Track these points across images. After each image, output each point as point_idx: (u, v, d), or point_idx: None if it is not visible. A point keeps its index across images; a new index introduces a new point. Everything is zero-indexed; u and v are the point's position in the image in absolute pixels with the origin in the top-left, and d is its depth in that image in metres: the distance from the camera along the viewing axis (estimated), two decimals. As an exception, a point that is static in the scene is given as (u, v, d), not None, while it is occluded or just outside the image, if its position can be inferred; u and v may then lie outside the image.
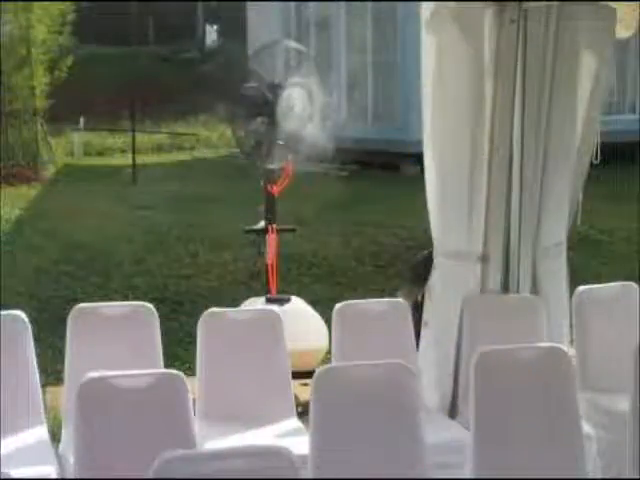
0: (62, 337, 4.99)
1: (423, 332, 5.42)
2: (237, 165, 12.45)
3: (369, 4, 15.98)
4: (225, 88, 7.35)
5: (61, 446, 4.55)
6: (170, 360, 5.44)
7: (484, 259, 5.36)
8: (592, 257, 10.18)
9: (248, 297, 7.25)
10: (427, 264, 5.49)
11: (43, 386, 4.88)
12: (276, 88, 6.61)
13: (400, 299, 5.43)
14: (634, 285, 5.50)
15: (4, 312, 4.75)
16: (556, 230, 5.57)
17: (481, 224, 5.33)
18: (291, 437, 4.52)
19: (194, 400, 4.35)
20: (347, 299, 5.38)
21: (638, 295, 5.43)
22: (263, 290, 7.19)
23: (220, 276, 9.62)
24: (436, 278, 5.45)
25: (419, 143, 5.51)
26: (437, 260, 5.44)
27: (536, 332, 5.19)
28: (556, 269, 5.61)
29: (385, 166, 14.93)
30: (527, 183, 5.33)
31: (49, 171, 15.94)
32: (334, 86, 14.47)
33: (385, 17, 15.85)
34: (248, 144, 6.94)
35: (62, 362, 4.94)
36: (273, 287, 6.99)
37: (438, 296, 5.44)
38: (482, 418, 4.08)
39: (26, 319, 4.78)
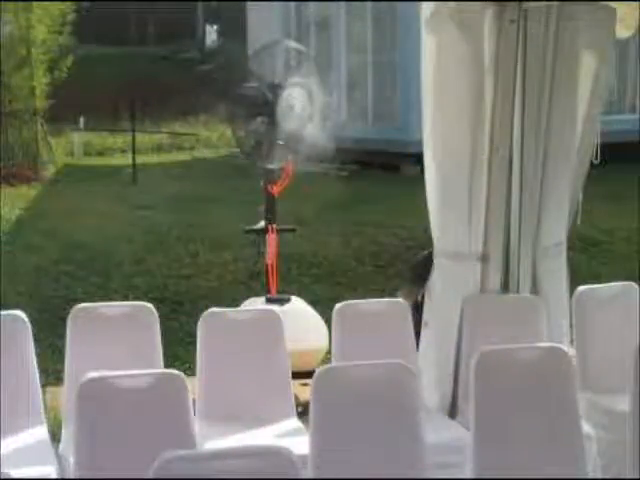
0: (62, 337, 4.99)
1: (423, 332, 5.42)
2: (237, 165, 12.46)
3: (369, 4, 15.98)
4: (225, 88, 7.35)
5: (61, 446, 4.55)
6: (170, 360, 5.44)
7: (484, 259, 5.36)
8: (592, 257, 10.18)
9: (248, 297, 7.26)
10: (427, 264, 5.49)
11: (43, 386, 4.88)
12: (276, 88, 6.61)
13: (400, 299, 5.43)
14: (634, 285, 5.49)
15: (4, 312, 4.75)
16: (556, 230, 5.57)
17: (481, 224, 5.33)
18: (291, 437, 4.52)
19: (194, 400, 4.35)
20: (347, 299, 5.38)
21: (638, 295, 5.43)
22: (263, 290, 7.19)
23: (220, 276, 9.62)
24: (436, 278, 5.45)
25: (419, 143, 5.51)
26: (437, 260, 5.44)
27: (536, 332, 5.19)
28: (556, 269, 5.61)
29: (385, 166, 14.93)
30: (527, 183, 5.33)
31: (49, 171, 15.95)
32: (334, 86, 14.47)
33: (385, 17, 15.85)
34: (248, 144, 6.94)
35: (62, 362, 4.94)
36: (273, 287, 6.99)
37: (438, 296, 5.44)
38: (482, 418, 4.08)
39: (26, 319, 4.78)
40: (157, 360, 4.93)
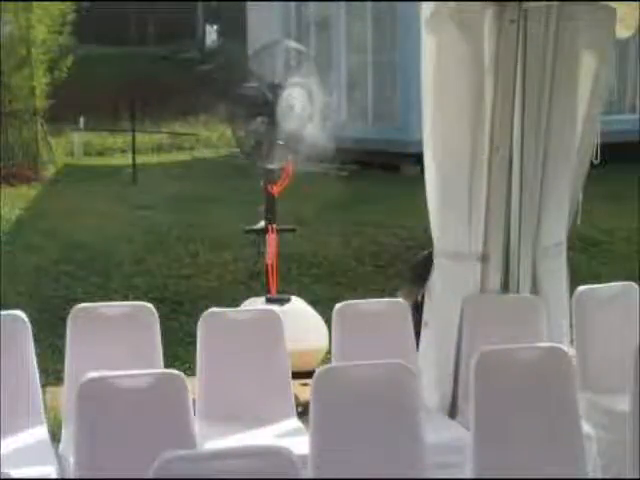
0: (62, 337, 4.99)
1: (423, 332, 5.42)
2: (237, 165, 12.46)
3: (369, 4, 15.98)
4: (225, 88, 7.35)
5: (61, 446, 4.55)
6: (170, 360, 5.43)
7: (484, 259, 5.35)
8: (592, 257, 10.18)
9: (248, 297, 7.25)
10: (427, 264, 5.49)
11: (43, 386, 4.88)
12: (276, 88, 6.61)
13: (400, 299, 5.43)
14: (634, 285, 5.49)
15: (4, 312, 4.75)
16: (556, 230, 5.57)
17: (481, 224, 5.33)
18: (291, 437, 4.52)
19: (194, 400, 4.35)
20: (347, 299, 5.38)
21: (638, 295, 5.43)
22: (263, 290, 7.19)
23: (220, 276, 9.62)
24: (436, 278, 5.45)
25: (419, 143, 5.50)
26: (437, 260, 5.44)
27: (536, 332, 5.19)
28: (556, 269, 5.61)
29: (385, 166, 14.93)
30: (527, 183, 5.33)
31: (49, 171, 15.95)
32: (334, 86, 14.47)
33: (385, 17, 15.85)
34: (248, 144, 6.94)
35: (62, 362, 4.94)
36: (273, 287, 6.99)
37: (438, 296, 5.43)
38: (482, 418, 4.08)
39: (26, 319, 4.78)
40: (157, 360, 4.93)
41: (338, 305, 5.22)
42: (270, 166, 6.83)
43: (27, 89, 16.02)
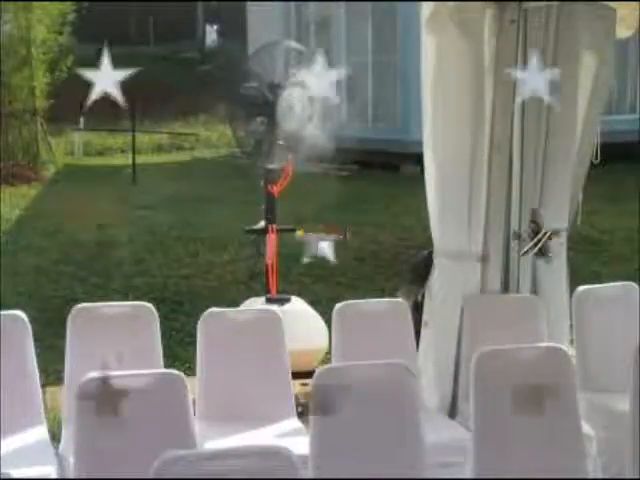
0: (62, 337, 4.99)
1: (423, 332, 5.42)
2: (237, 165, 12.47)
3: (369, 4, 15.99)
4: (225, 88, 7.35)
5: (61, 446, 4.55)
6: (170, 360, 5.43)
7: (484, 259, 5.35)
8: (592, 257, 10.18)
9: (248, 297, 7.25)
10: (427, 264, 5.49)
11: (43, 386, 4.88)
12: (276, 88, 6.61)
13: (400, 299, 5.42)
14: (634, 285, 5.49)
15: (4, 312, 4.75)
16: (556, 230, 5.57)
17: (481, 224, 5.33)
18: (291, 437, 4.52)
19: (194, 400, 4.34)
20: (347, 299, 5.38)
21: (638, 295, 5.43)
22: (263, 290, 7.18)
23: (220, 276, 9.62)
24: (436, 278, 5.45)
25: (419, 143, 5.50)
26: (437, 260, 5.44)
27: (536, 332, 5.19)
28: (556, 269, 5.60)
29: (385, 166, 14.94)
30: (527, 183, 5.33)
31: (49, 171, 15.97)
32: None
33: (385, 17, 15.86)
34: (248, 144, 6.94)
35: (62, 362, 4.94)
36: (273, 287, 6.98)
37: (438, 296, 5.43)
38: (482, 418, 4.08)
39: (26, 319, 4.77)
40: (157, 360, 4.92)
41: (338, 305, 5.21)
42: (270, 166, 6.83)
43: (27, 89, 16.04)
